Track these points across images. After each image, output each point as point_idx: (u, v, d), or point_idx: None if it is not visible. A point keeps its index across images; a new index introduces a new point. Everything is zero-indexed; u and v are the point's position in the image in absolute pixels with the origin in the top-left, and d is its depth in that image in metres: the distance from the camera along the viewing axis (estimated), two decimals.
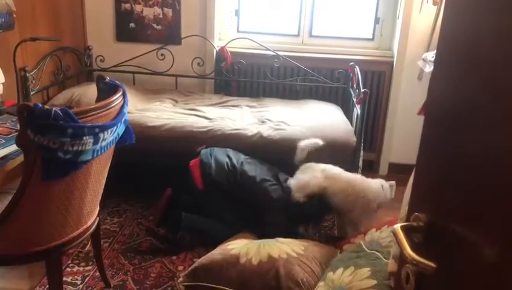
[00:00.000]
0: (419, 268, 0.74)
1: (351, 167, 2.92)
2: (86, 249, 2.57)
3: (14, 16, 2.80)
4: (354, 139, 2.95)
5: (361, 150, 3.00)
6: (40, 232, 1.83)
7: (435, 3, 3.36)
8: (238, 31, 3.86)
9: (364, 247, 2.07)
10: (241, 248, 2.19)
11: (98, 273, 2.34)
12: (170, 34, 3.72)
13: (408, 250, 0.74)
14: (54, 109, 1.60)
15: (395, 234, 0.77)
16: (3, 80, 2.44)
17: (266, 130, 2.99)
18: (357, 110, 3.05)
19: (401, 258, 0.85)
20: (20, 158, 1.80)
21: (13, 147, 1.83)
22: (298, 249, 2.17)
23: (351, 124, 3.19)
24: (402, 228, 0.79)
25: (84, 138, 1.67)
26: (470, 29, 0.79)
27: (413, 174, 1.56)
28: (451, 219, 0.78)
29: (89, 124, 1.70)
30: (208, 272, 2.12)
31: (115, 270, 2.44)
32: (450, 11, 0.86)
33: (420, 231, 0.80)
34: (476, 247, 0.73)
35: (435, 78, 0.86)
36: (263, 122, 3.14)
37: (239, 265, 2.09)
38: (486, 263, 0.71)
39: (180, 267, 2.49)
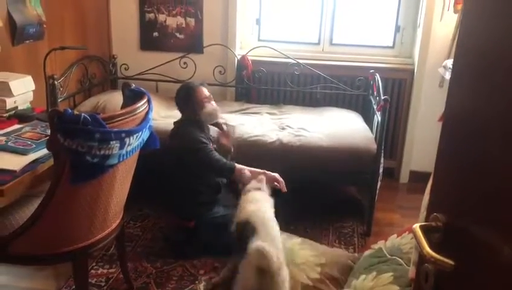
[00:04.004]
0: (437, 266, 0.76)
1: (371, 175, 2.93)
2: (110, 251, 2.63)
3: (44, 26, 2.91)
4: (374, 146, 2.95)
5: (382, 158, 3.00)
6: (68, 233, 1.90)
7: (455, 12, 3.35)
8: (259, 40, 3.92)
9: (385, 252, 2.07)
10: None
11: (121, 276, 2.40)
12: (192, 43, 3.80)
13: (426, 248, 0.76)
14: (83, 114, 1.67)
15: (414, 233, 0.80)
16: (33, 88, 2.53)
17: (286, 137, 3.03)
18: (377, 117, 3.06)
19: (420, 258, 0.87)
20: (50, 162, 1.87)
21: (43, 151, 1.90)
22: (314, 274, 2.15)
23: (372, 131, 3.20)
24: (421, 227, 0.81)
25: (111, 142, 1.73)
26: (487, 38, 0.81)
27: (431, 179, 1.58)
28: (470, 220, 0.80)
29: (116, 129, 1.76)
30: None
31: (138, 273, 2.49)
32: (468, 21, 0.88)
33: (439, 231, 0.82)
34: (494, 247, 0.74)
35: (453, 85, 0.88)
36: (283, 128, 3.18)
37: None
38: (504, 263, 0.73)
39: (201, 271, 2.53)
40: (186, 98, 2.70)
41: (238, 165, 2.57)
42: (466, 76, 0.86)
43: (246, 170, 2.53)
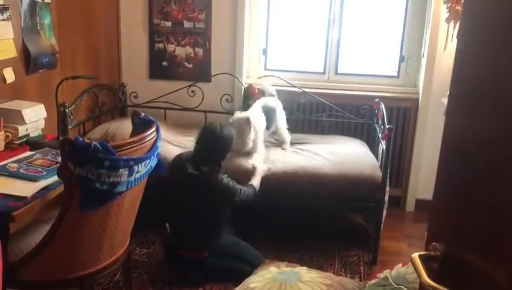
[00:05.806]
0: None
1: (376, 203, 2.94)
2: (116, 278, 2.64)
3: (57, 55, 3.00)
4: (379, 173, 2.97)
5: (387, 186, 3.01)
6: (76, 260, 1.92)
7: None
8: (265, 69, 3.99)
9: (390, 281, 2.07)
10: (262, 287, 2.21)
11: None
12: (200, 72, 3.88)
13: (424, 277, 0.78)
14: (93, 142, 1.72)
15: (412, 262, 0.82)
16: (45, 115, 2.60)
17: (292, 164, 3.05)
18: (382, 145, 3.09)
19: (420, 286, 0.89)
20: (60, 189, 1.90)
21: (54, 178, 1.94)
22: None
23: (377, 159, 3.22)
24: (420, 256, 0.83)
25: (120, 170, 1.77)
26: (479, 72, 0.85)
27: None
28: (466, 249, 0.82)
29: (125, 157, 1.80)
30: None
31: None
32: (462, 57, 0.93)
33: (437, 260, 0.84)
34: (490, 276, 0.76)
35: (449, 116, 0.92)
36: (289, 156, 3.20)
37: None
38: None
39: None
40: (228, 149, 2.77)
41: (254, 183, 2.83)
42: (462, 107, 0.90)
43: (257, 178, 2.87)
